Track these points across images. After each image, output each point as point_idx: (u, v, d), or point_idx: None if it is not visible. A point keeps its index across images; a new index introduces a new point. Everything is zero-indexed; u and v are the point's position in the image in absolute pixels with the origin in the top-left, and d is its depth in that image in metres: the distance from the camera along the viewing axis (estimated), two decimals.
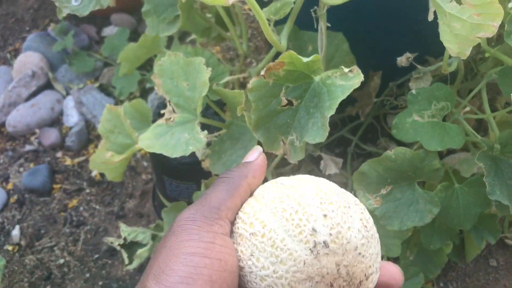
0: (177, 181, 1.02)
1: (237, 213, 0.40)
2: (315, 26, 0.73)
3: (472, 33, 0.57)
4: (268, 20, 0.68)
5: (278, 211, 0.37)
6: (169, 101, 0.70)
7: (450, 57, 0.75)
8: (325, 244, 0.35)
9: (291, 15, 0.68)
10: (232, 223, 0.39)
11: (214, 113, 0.87)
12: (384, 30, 0.91)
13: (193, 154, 0.92)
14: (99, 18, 1.69)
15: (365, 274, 0.36)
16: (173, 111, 0.70)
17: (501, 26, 0.60)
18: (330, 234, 0.35)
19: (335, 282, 0.35)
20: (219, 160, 0.73)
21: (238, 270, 0.37)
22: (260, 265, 0.36)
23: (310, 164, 0.99)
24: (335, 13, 0.75)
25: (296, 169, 0.95)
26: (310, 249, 0.35)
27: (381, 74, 0.98)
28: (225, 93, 0.67)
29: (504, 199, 0.72)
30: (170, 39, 1.42)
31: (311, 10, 0.71)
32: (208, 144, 0.77)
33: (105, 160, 0.83)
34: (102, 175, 1.31)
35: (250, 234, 0.37)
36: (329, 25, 0.74)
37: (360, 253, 0.36)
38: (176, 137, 0.67)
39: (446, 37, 0.60)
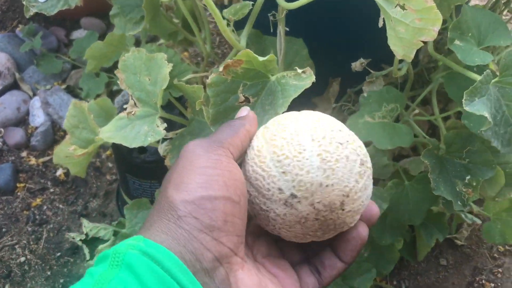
0: (140, 179, 1.04)
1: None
2: (272, 30, 0.77)
3: (415, 37, 0.61)
4: (228, 20, 0.72)
5: (253, 180, 0.43)
6: (131, 96, 0.72)
7: (401, 62, 0.80)
8: (293, 196, 0.40)
9: (251, 16, 0.72)
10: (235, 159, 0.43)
11: (179, 113, 0.89)
12: (342, 37, 0.95)
13: (156, 152, 0.94)
14: (69, 21, 1.70)
15: (343, 194, 0.41)
16: (135, 105, 0.73)
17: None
18: (293, 186, 0.40)
19: (318, 215, 0.41)
20: (179, 154, 0.76)
21: (245, 183, 0.42)
22: (261, 223, 0.44)
23: None
24: (295, 19, 0.79)
25: None
26: (285, 204, 0.41)
27: (340, 81, 1.02)
28: (185, 88, 0.70)
29: (447, 195, 0.76)
30: (137, 42, 1.45)
31: (269, 14, 0.75)
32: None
33: (68, 153, 0.84)
34: (66, 175, 1.32)
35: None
36: (287, 29, 0.78)
37: (327, 185, 0.40)
38: (136, 130, 0.69)
39: (392, 41, 0.64)
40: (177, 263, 0.34)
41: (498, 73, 0.64)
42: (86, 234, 0.96)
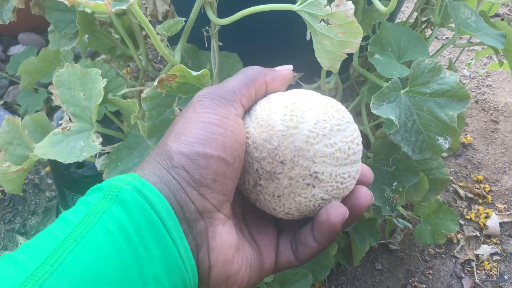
0: (78, 195, 1.03)
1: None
2: (207, 45, 0.80)
3: (339, 49, 0.65)
4: (162, 36, 0.74)
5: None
6: (66, 111, 0.73)
7: (328, 76, 0.84)
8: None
9: (184, 32, 0.74)
10: (246, 110, 0.43)
11: (118, 127, 0.90)
12: (276, 51, 0.99)
13: (94, 167, 0.95)
14: (6, 37, 1.67)
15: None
16: (70, 120, 0.73)
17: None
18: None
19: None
20: (116, 169, 0.77)
21: (246, 146, 0.41)
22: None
23: None
24: (230, 34, 0.81)
25: None
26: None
27: None
28: (119, 103, 0.71)
29: (376, 201, 0.80)
30: (77, 57, 1.44)
31: (203, 29, 0.78)
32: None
33: (2, 171, 0.83)
34: (3, 193, 1.28)
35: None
36: (221, 44, 0.80)
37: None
38: (72, 145, 0.70)
39: (319, 54, 0.68)
40: (166, 206, 0.36)
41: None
42: None
